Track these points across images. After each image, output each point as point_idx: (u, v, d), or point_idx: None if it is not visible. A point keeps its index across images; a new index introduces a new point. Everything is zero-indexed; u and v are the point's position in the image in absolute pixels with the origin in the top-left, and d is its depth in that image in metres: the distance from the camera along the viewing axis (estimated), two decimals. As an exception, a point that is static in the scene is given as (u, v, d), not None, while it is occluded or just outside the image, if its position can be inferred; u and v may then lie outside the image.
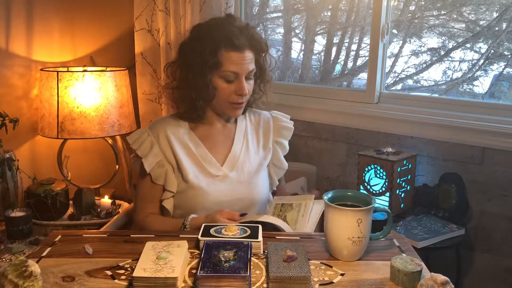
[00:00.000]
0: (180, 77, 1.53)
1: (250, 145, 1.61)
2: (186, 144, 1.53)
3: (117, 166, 2.39)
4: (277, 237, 1.34)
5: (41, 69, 2.23)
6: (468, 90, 2.22)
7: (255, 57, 1.52)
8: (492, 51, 2.13)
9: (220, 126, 1.60)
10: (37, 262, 1.13)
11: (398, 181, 1.93)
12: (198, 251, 1.22)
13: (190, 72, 1.49)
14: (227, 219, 1.36)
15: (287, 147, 1.69)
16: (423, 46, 2.30)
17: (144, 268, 1.06)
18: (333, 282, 1.09)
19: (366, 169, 1.98)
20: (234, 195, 1.50)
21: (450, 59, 2.25)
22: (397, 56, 2.35)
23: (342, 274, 1.13)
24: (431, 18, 2.29)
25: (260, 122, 1.67)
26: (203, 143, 1.55)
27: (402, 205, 1.99)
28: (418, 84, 2.37)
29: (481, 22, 2.18)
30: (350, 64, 2.58)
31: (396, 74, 2.40)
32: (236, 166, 1.55)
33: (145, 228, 1.48)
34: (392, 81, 2.40)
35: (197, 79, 1.48)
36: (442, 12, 2.25)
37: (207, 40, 1.47)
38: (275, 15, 2.82)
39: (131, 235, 1.33)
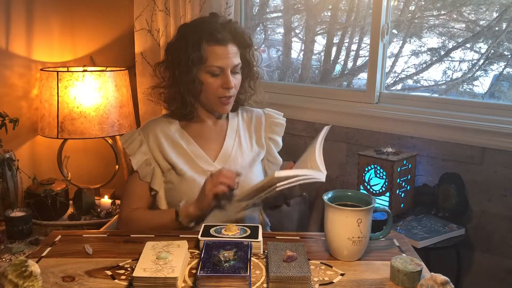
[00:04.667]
0: (168, 76, 1.56)
1: (242, 142, 1.61)
2: (178, 143, 1.55)
3: (117, 166, 2.39)
4: (277, 237, 1.34)
5: (41, 69, 2.23)
6: (468, 90, 2.22)
7: (240, 52, 1.54)
8: (492, 51, 2.13)
9: (211, 124, 1.61)
10: (37, 262, 1.13)
11: (398, 181, 1.93)
12: (198, 251, 1.22)
13: (176, 69, 1.52)
14: (223, 183, 1.34)
15: (280, 143, 1.70)
16: (423, 46, 2.30)
17: (144, 268, 1.06)
18: (333, 282, 1.09)
19: (366, 169, 1.98)
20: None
21: (450, 59, 2.25)
22: (397, 56, 2.35)
23: (342, 274, 1.13)
24: (431, 18, 2.29)
25: (252, 119, 1.68)
26: (195, 141, 1.56)
27: (402, 205, 1.99)
28: (418, 84, 2.37)
29: (481, 22, 2.18)
30: (350, 64, 2.58)
31: (396, 74, 2.40)
32: (229, 162, 1.55)
33: (131, 222, 1.48)
34: (392, 81, 2.40)
35: (183, 75, 1.51)
36: (442, 12, 2.25)
37: (190, 37, 1.50)
38: (275, 15, 2.82)
39: (131, 235, 1.34)
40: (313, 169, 1.27)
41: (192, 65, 1.48)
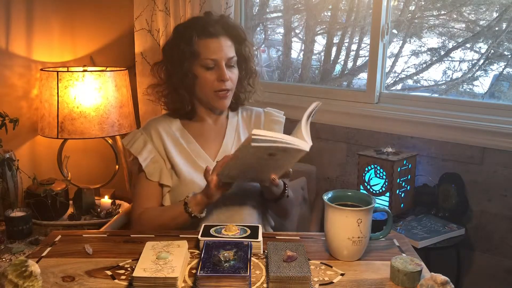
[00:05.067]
0: (163, 74, 1.58)
1: (242, 140, 1.61)
2: (178, 141, 1.55)
3: (117, 166, 2.39)
4: (277, 237, 1.34)
5: (41, 69, 2.23)
6: (468, 90, 2.22)
7: (236, 47, 1.55)
8: (492, 51, 2.13)
9: (211, 123, 1.61)
10: (37, 262, 1.14)
11: (398, 181, 1.93)
12: (198, 251, 1.22)
13: (169, 63, 1.54)
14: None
15: None
16: (423, 46, 2.30)
17: (144, 268, 1.06)
18: (333, 282, 1.09)
19: (366, 169, 1.98)
20: (237, 192, 1.50)
21: (450, 59, 2.25)
22: (397, 56, 2.35)
23: (342, 274, 1.13)
24: (431, 18, 2.29)
25: (251, 117, 1.68)
26: (195, 140, 1.57)
27: (402, 205, 1.99)
28: (418, 84, 2.37)
29: (481, 22, 2.18)
30: (350, 64, 2.58)
31: (396, 74, 2.40)
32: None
33: (143, 223, 1.48)
34: (392, 81, 2.40)
35: (176, 70, 1.52)
36: (442, 12, 2.25)
37: (183, 33, 1.53)
38: (275, 15, 2.82)
39: (131, 235, 1.34)
40: (298, 138, 1.24)
41: (184, 59, 1.50)
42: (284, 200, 1.50)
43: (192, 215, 1.39)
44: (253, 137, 1.14)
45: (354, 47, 2.56)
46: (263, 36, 2.80)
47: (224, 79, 1.49)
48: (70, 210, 2.22)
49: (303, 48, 2.71)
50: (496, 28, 2.11)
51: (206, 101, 1.55)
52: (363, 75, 2.44)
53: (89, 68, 2.31)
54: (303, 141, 1.23)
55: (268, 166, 1.29)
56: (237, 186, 1.50)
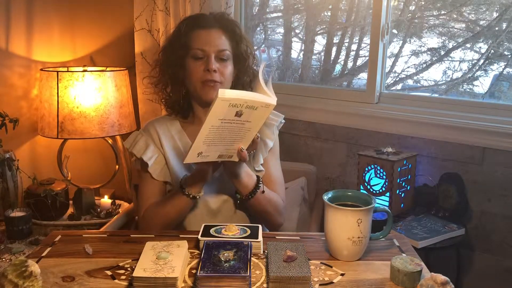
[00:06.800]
0: (158, 67, 1.60)
1: None
2: (176, 144, 1.55)
3: (117, 166, 2.39)
4: (277, 237, 1.34)
5: (41, 69, 2.23)
6: (468, 90, 2.22)
7: (232, 44, 1.53)
8: (492, 51, 2.13)
9: None
10: (37, 262, 1.13)
11: (398, 181, 1.93)
12: (198, 251, 1.22)
13: (163, 56, 1.56)
14: None
15: (270, 144, 1.60)
16: (423, 46, 2.30)
17: (144, 268, 1.06)
18: (333, 282, 1.09)
19: (366, 169, 1.98)
20: (220, 194, 1.50)
21: (450, 59, 2.25)
22: (397, 56, 2.35)
23: (342, 274, 1.13)
24: (431, 18, 2.29)
25: None
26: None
27: (402, 205, 1.99)
28: (418, 84, 2.37)
29: (481, 22, 2.18)
30: (350, 64, 2.58)
31: (396, 74, 2.40)
32: (222, 166, 1.51)
33: (147, 219, 1.48)
34: (392, 81, 2.40)
35: (168, 60, 1.54)
36: (442, 12, 2.25)
37: (178, 26, 1.56)
38: (275, 15, 2.82)
39: (131, 235, 1.34)
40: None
41: (175, 51, 1.51)
42: (260, 197, 1.44)
43: (191, 196, 1.38)
44: (220, 91, 1.14)
45: (354, 47, 2.56)
46: (263, 36, 2.80)
47: (209, 69, 1.47)
48: (70, 210, 2.22)
49: (303, 48, 2.71)
50: (496, 28, 2.11)
51: (196, 94, 1.53)
52: (363, 75, 2.44)
53: (89, 68, 2.31)
54: (267, 96, 1.23)
55: (235, 134, 1.26)
56: (227, 192, 1.50)
